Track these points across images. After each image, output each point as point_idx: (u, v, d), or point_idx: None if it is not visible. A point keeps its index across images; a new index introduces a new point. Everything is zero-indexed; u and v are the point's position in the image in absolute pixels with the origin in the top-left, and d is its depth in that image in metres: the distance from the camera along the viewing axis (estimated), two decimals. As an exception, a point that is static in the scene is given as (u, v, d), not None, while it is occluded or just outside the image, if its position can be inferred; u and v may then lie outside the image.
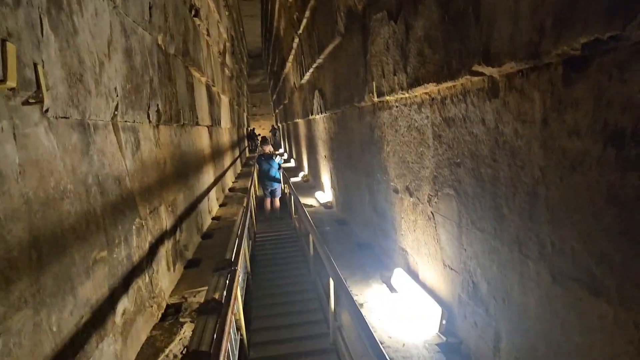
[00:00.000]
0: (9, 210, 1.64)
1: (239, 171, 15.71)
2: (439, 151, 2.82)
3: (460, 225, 2.62)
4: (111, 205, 2.80)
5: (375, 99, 3.91)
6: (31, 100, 1.86)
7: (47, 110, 2.01)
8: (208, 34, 8.11)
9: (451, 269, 2.81)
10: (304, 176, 11.72)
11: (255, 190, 10.66)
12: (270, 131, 28.29)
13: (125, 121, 3.26)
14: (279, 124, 25.49)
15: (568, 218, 1.62)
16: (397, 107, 3.58)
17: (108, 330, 2.52)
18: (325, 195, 8.29)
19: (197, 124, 6.69)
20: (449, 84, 2.50)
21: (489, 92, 2.12)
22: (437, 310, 2.89)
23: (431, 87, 2.76)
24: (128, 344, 2.81)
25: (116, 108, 2.98)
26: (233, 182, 12.44)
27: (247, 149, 23.21)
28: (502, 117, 2.01)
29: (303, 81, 9.60)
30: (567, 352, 1.72)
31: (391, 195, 3.94)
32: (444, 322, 2.84)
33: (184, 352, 2.78)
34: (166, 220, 4.23)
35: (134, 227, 3.21)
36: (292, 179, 9.38)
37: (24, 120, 1.82)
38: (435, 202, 2.96)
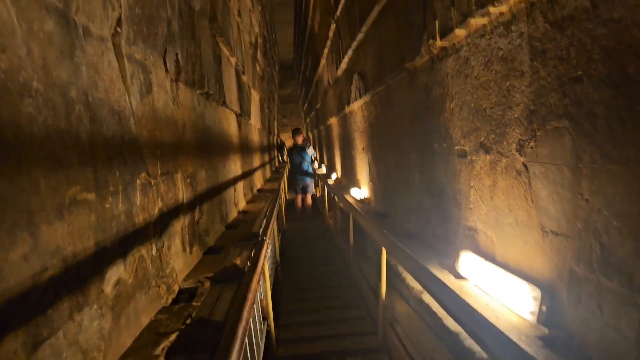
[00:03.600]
0: None
1: (268, 176, 15.16)
2: (541, 73, 2.06)
3: (577, 167, 1.84)
4: (105, 141, 2.17)
5: (438, 43, 3.17)
6: None
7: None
8: (239, 15, 7.59)
9: (557, 234, 2.01)
10: (337, 179, 11.00)
11: (285, 193, 10.09)
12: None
13: (133, 52, 2.66)
14: (309, 133, 24.92)
15: None
16: (468, 44, 2.84)
17: (90, 298, 1.85)
18: (361, 191, 7.53)
19: (225, 104, 6.11)
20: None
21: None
22: (534, 293, 2.09)
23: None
24: (122, 323, 2.12)
25: (119, 24, 2.37)
26: (262, 185, 11.86)
27: (276, 159, 22.67)
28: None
29: (339, 72, 8.95)
30: None
31: (454, 162, 3.17)
32: (543, 308, 2.04)
33: (186, 321, 2.06)
34: (183, 192, 3.58)
35: (138, 180, 2.58)
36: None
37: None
38: (532, 148, 2.18)
